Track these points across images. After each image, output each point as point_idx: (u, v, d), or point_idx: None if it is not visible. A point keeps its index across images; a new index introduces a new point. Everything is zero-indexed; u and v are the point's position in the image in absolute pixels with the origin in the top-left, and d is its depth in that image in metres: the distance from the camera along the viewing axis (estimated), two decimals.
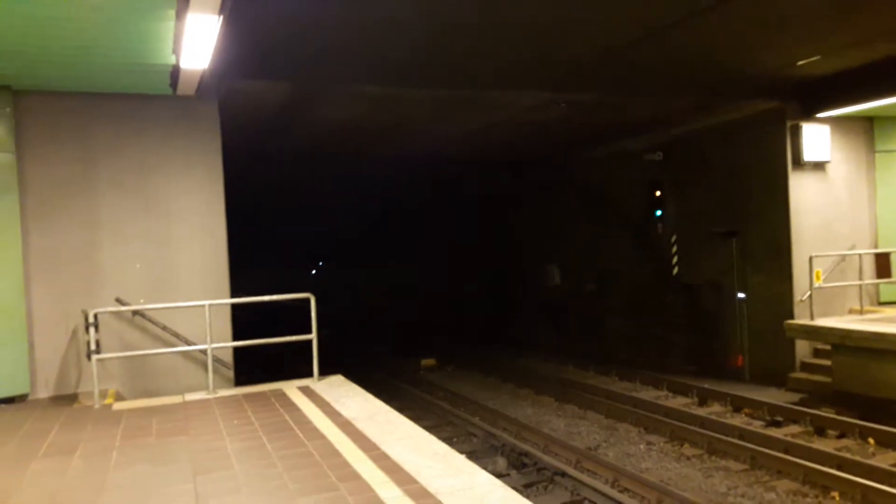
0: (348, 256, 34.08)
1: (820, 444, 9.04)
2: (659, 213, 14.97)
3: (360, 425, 6.31)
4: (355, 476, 4.94)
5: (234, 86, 8.69)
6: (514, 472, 8.74)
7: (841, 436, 9.47)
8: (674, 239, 14.98)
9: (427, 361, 17.17)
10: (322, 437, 6.00)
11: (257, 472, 5.17)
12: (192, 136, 8.76)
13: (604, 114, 12.67)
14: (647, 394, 12.54)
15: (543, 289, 19.00)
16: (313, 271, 39.97)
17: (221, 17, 5.72)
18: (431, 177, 21.41)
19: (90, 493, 4.89)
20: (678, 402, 11.78)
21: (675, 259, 15.02)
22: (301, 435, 6.09)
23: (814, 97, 11.79)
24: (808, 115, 12.06)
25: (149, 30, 6.13)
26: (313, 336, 8.46)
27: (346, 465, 5.21)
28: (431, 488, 4.58)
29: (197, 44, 6.34)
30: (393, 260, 30.00)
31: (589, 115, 12.52)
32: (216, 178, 8.90)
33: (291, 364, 11.78)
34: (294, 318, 11.79)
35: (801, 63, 10.18)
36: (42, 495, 4.90)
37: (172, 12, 5.73)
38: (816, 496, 7.64)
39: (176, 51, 6.64)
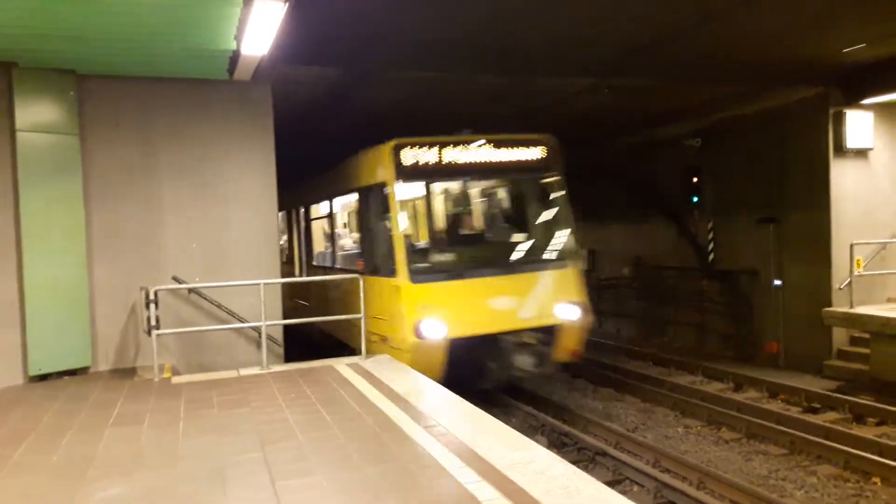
0: None
1: (859, 431, 9.11)
2: (696, 199, 14.96)
3: (413, 400, 6.53)
4: (415, 447, 5.15)
5: (287, 71, 8.87)
6: (555, 451, 8.90)
7: (880, 423, 9.52)
8: (710, 225, 14.98)
9: None
10: (378, 410, 6.23)
11: (321, 442, 5.40)
12: (246, 120, 9.00)
13: (646, 100, 12.69)
14: (683, 378, 12.63)
15: None
16: None
17: (287, 5, 5.91)
18: None
19: (166, 459, 5.15)
20: (714, 388, 11.88)
21: (711, 245, 15.03)
22: (357, 408, 6.33)
23: (858, 84, 11.70)
24: (852, 101, 11.97)
25: (215, 16, 6.34)
26: (361, 315, 8.71)
27: (404, 436, 5.43)
28: (492, 461, 4.77)
29: (259, 30, 6.54)
30: None
31: (631, 100, 12.55)
32: (269, 161, 9.14)
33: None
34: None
35: (846, 50, 10.13)
36: (120, 461, 5.18)
37: None
38: (858, 481, 7.74)
39: (238, 37, 6.85)
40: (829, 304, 11.86)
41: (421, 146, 9.41)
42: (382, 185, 9.55)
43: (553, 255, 10.12)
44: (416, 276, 9.11)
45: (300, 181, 14.67)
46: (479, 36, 8.60)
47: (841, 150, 12.05)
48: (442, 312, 8.91)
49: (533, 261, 10.07)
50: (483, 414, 5.99)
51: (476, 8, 7.68)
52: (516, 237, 10.75)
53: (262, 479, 4.62)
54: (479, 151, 9.82)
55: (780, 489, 7.63)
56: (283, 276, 11.03)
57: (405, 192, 10.44)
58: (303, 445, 5.34)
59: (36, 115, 7.97)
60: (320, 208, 13.93)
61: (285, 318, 9.47)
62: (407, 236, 10.03)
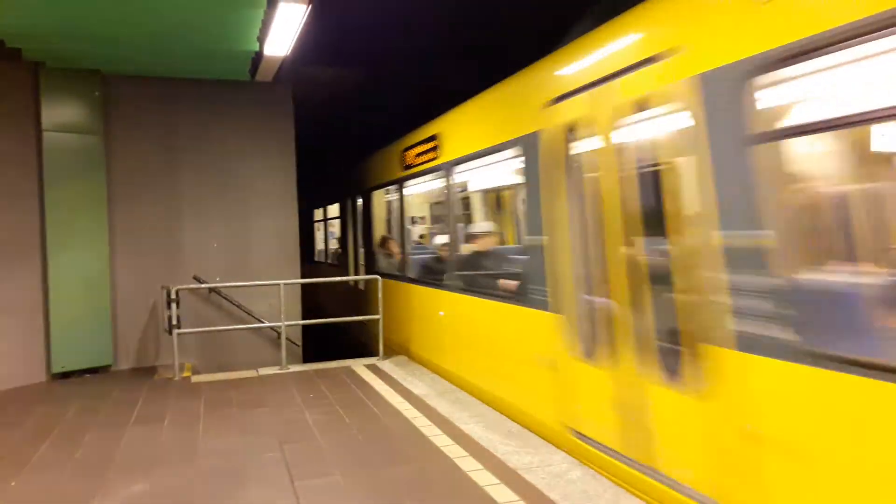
0: None
1: None
2: None
3: (432, 402, 6.53)
4: (434, 450, 5.15)
5: (308, 71, 8.93)
6: None
7: None
8: None
9: None
10: (397, 412, 6.23)
11: (340, 443, 5.41)
12: (267, 121, 9.08)
13: None
14: None
15: None
16: None
17: (309, 7, 5.94)
18: None
19: (186, 457, 5.19)
20: None
21: None
22: (376, 410, 6.34)
23: None
24: None
25: (239, 18, 6.40)
26: (380, 316, 8.72)
27: (423, 439, 5.43)
28: (510, 464, 4.76)
29: (282, 31, 6.58)
30: None
31: None
32: (289, 161, 9.21)
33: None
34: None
35: None
36: (141, 459, 5.22)
37: (264, 0, 5.96)
38: None
39: (261, 38, 6.90)
40: None
41: None
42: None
43: None
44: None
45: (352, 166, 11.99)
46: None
47: None
48: None
49: None
50: (500, 416, 5.98)
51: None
52: None
53: (281, 478, 4.64)
54: None
55: None
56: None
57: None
58: (322, 446, 5.35)
59: (62, 114, 8.08)
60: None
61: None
62: None
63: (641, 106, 4.12)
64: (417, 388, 7.18)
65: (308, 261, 15.19)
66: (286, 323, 8.33)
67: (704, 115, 3.59)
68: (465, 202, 9.39)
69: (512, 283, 6.29)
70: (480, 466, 4.74)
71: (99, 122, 8.31)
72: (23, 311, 7.99)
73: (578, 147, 4.86)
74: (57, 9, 6.23)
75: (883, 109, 2.77)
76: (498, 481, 4.43)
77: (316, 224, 17.68)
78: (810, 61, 3.04)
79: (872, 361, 2.74)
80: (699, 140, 3.62)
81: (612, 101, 4.33)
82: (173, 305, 7.96)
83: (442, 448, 5.17)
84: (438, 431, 5.60)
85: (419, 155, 8.30)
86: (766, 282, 3.23)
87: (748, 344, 3.34)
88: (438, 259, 8.35)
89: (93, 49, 7.50)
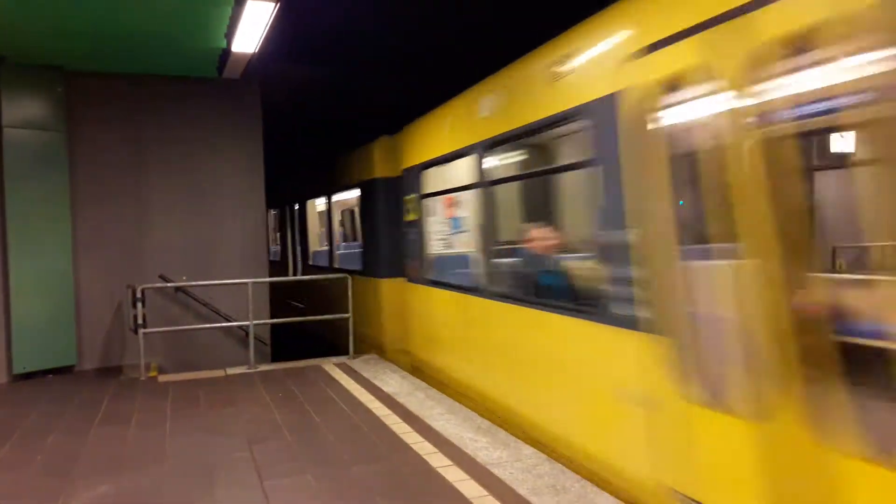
0: None
1: None
2: None
3: (402, 400, 6.55)
4: (405, 447, 5.17)
5: (276, 69, 8.87)
6: None
7: None
8: None
9: None
10: (367, 410, 6.24)
11: (310, 441, 5.40)
12: (234, 118, 9.00)
13: None
14: None
15: None
16: None
17: (277, 5, 5.91)
18: None
19: (153, 458, 5.13)
20: None
21: None
22: (346, 408, 6.34)
23: None
24: None
25: (205, 14, 6.35)
26: (349, 315, 8.71)
27: (394, 436, 5.44)
28: (480, 459, 4.81)
29: (250, 29, 6.54)
30: None
31: None
32: (257, 159, 9.14)
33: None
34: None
35: None
36: (107, 459, 5.15)
37: None
38: None
39: (228, 35, 6.85)
40: None
41: None
42: None
43: None
44: None
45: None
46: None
47: None
48: None
49: None
50: (472, 414, 6.02)
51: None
52: None
53: (250, 478, 4.62)
54: None
55: None
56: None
57: None
58: (291, 445, 5.34)
59: (23, 110, 7.91)
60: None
61: None
62: None
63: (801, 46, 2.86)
64: (388, 385, 7.19)
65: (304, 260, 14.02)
66: (254, 322, 8.27)
67: None
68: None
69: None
70: (450, 462, 4.77)
71: (62, 119, 8.15)
72: None
73: (686, 111, 3.68)
74: (18, 2, 6.11)
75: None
76: (467, 477, 4.47)
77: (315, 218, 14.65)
78: None
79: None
80: None
81: (749, 42, 3.06)
82: (139, 304, 7.86)
83: (412, 445, 5.19)
84: (409, 428, 5.62)
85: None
86: None
87: None
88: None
89: (56, 44, 7.37)
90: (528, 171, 7.04)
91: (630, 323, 4.04)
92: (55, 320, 8.15)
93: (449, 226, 8.47)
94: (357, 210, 11.44)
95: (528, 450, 4.99)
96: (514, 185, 7.27)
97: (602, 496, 4.13)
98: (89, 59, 7.97)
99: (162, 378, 7.89)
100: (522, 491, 4.20)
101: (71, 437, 5.71)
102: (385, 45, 8.81)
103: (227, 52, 7.47)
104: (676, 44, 3.55)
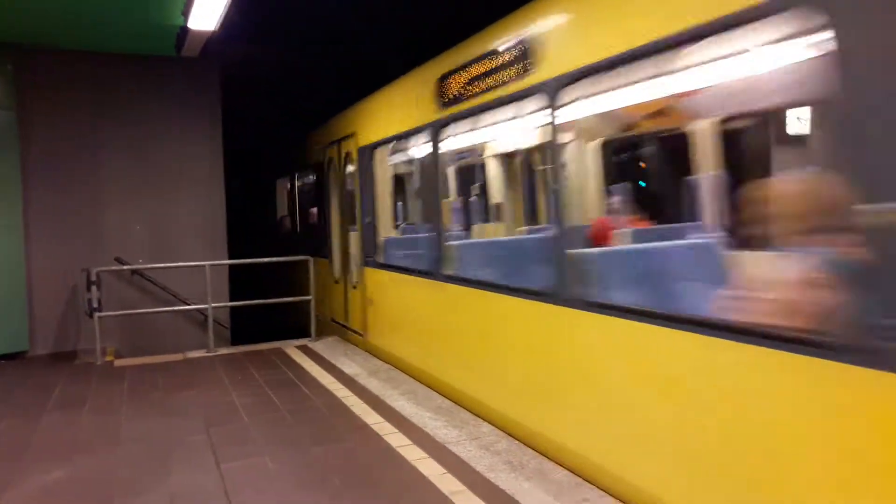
0: None
1: None
2: None
3: (363, 381, 6.54)
4: (364, 427, 5.17)
5: (236, 49, 8.71)
6: None
7: None
8: None
9: None
10: (327, 392, 6.22)
11: (268, 424, 5.37)
12: (193, 98, 8.84)
13: None
14: None
15: None
16: None
17: None
18: None
19: (108, 442, 5.06)
20: None
21: None
22: (306, 390, 6.31)
23: None
24: None
25: None
26: (311, 297, 8.65)
27: (353, 417, 5.44)
28: (439, 438, 4.83)
29: (208, 5, 6.40)
30: None
31: None
32: (216, 140, 8.98)
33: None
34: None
35: None
36: (60, 445, 5.05)
37: None
38: None
39: (185, 12, 6.69)
40: None
41: None
42: None
43: None
44: None
45: None
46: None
47: None
48: None
49: None
50: (430, 392, 6.04)
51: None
52: None
53: (207, 461, 4.57)
54: None
55: None
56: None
57: None
58: (249, 427, 5.30)
59: None
60: None
61: None
62: None
63: None
64: (349, 367, 7.17)
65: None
66: (213, 304, 8.17)
67: None
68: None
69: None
70: (409, 442, 4.79)
71: (11, 97, 7.90)
72: None
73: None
74: None
75: None
76: (426, 455, 4.49)
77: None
78: None
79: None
80: None
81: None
82: (94, 288, 7.70)
83: (372, 425, 5.20)
84: (369, 409, 5.62)
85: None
86: None
87: None
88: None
89: (4, 18, 7.12)
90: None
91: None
92: (6, 305, 7.94)
93: None
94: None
95: (485, 427, 5.02)
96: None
97: (558, 470, 4.18)
98: (41, 36, 7.74)
99: (118, 362, 7.76)
100: (480, 468, 4.24)
101: (22, 422, 5.59)
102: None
103: (185, 29, 7.29)
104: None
